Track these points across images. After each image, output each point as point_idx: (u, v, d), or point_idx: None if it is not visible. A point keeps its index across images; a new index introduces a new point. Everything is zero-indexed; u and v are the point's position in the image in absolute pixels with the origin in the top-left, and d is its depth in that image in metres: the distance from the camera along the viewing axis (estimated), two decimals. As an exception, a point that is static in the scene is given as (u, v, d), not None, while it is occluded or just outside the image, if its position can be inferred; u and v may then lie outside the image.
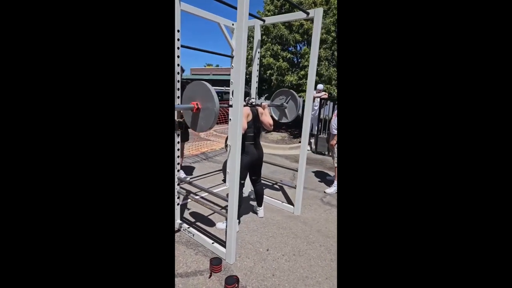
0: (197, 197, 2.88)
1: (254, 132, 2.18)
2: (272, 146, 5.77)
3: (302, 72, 6.29)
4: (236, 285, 1.58)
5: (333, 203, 3.02)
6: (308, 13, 2.23)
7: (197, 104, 1.71)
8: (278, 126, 7.45)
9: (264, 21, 2.58)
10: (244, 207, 2.72)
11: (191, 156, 4.72)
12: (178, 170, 2.21)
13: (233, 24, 2.64)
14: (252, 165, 2.26)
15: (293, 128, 7.11)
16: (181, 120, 1.99)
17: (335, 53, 6.00)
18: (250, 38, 6.49)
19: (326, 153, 5.32)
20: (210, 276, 1.71)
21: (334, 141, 3.26)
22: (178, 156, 2.09)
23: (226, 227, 1.94)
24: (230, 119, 1.93)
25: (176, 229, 2.22)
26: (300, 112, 2.72)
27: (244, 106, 2.15)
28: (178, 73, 1.95)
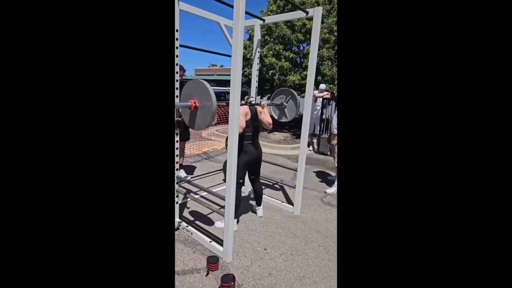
0: (196, 196, 2.90)
1: (252, 131, 2.19)
2: (275, 146, 5.76)
3: (305, 72, 6.27)
4: (232, 283, 1.59)
5: (333, 203, 3.01)
6: (307, 12, 2.22)
7: (195, 103, 1.72)
8: (280, 126, 7.44)
9: (264, 20, 2.58)
10: (244, 206, 2.72)
11: (193, 155, 4.75)
12: (177, 169, 2.22)
13: (233, 24, 2.64)
14: (250, 164, 2.26)
15: (296, 129, 7.10)
16: (179, 119, 2.00)
17: (338, 53, 5.97)
18: (253, 38, 6.50)
19: (328, 153, 5.29)
20: (207, 274, 1.72)
21: (334, 141, 3.24)
22: (177, 155, 2.10)
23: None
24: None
25: (175, 227, 2.23)
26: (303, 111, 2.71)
27: (243, 105, 2.16)
28: (177, 72, 1.96)
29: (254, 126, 2.21)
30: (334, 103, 5.67)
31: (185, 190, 2.85)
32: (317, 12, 2.15)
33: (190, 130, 3.14)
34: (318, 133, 5.55)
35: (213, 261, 1.77)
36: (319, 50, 6.38)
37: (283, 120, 2.79)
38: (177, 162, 2.14)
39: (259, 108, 2.31)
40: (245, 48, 7.15)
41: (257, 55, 2.73)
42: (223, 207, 1.87)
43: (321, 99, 5.45)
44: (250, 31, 7.07)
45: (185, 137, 3.28)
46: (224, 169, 3.90)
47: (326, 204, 2.98)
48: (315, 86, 6.15)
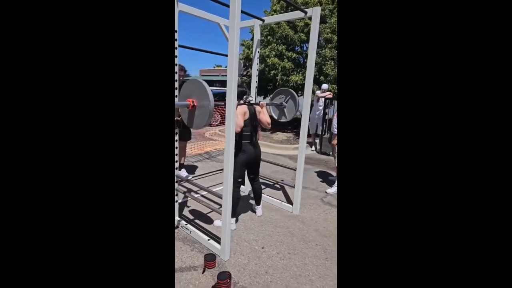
0: (197, 195, 2.92)
1: (251, 130, 2.20)
2: (277, 147, 5.77)
3: (307, 72, 6.27)
4: (228, 280, 1.60)
5: (333, 203, 3.00)
6: (306, 12, 2.23)
7: (193, 102, 1.74)
8: (283, 126, 7.44)
9: (263, 21, 2.59)
10: (244, 205, 2.74)
11: (195, 155, 4.78)
12: (176, 168, 2.25)
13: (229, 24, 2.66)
14: (249, 163, 2.28)
15: (298, 129, 7.06)
16: (178, 118, 2.02)
17: (341, 53, 5.96)
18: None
19: (330, 153, 5.28)
20: (203, 271, 1.74)
21: (335, 141, 3.24)
22: (176, 155, 2.13)
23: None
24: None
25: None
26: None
27: (242, 104, 2.18)
28: (176, 72, 1.99)
29: (252, 126, 2.22)
30: (336, 103, 5.65)
31: (185, 189, 2.87)
32: (315, 12, 2.16)
33: (193, 130, 3.17)
34: (320, 133, 5.54)
35: (210, 259, 1.79)
36: (321, 50, 6.39)
37: (283, 120, 2.80)
38: (176, 161, 2.17)
39: (258, 108, 2.33)
40: (248, 48, 7.18)
41: (257, 55, 2.75)
42: (222, 206, 1.89)
43: (323, 99, 5.43)
44: (254, 32, 7.10)
45: (186, 137, 3.31)
46: (225, 169, 3.91)
47: (326, 204, 2.98)
48: (317, 86, 6.19)
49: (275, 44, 6.58)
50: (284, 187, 3.35)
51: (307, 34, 6.36)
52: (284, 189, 3.30)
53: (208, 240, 2.03)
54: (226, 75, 1.69)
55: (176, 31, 1.96)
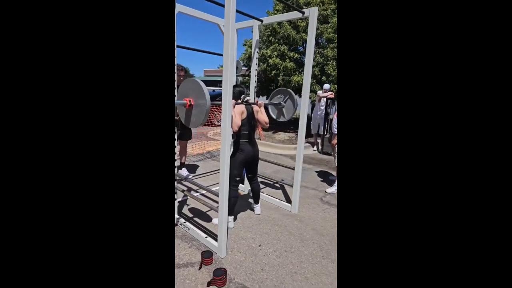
0: (196, 194, 2.96)
1: (248, 130, 2.23)
2: (279, 146, 5.78)
3: (309, 72, 6.27)
4: (224, 277, 1.63)
5: (332, 202, 3.01)
6: (303, 13, 2.25)
7: (189, 101, 1.77)
8: (285, 126, 7.45)
9: (261, 21, 2.62)
10: (243, 204, 2.76)
11: (196, 154, 4.83)
12: (176, 167, 2.28)
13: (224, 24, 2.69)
14: (247, 162, 2.30)
15: (301, 129, 7.08)
16: (176, 118, 2.06)
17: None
18: (259, 38, 6.55)
19: (332, 153, 5.27)
20: (200, 268, 1.76)
21: (334, 141, 3.24)
22: (176, 154, 2.16)
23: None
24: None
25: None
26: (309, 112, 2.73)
27: (240, 104, 2.20)
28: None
29: (250, 125, 2.25)
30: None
31: (185, 188, 2.91)
32: (312, 12, 2.18)
33: (196, 130, 3.20)
34: (322, 133, 5.53)
35: (207, 256, 1.81)
36: (323, 49, 6.39)
37: (281, 119, 2.82)
38: (176, 160, 2.20)
39: (255, 107, 2.35)
40: (251, 47, 7.20)
41: (256, 55, 2.77)
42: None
43: (324, 99, 5.43)
44: (253, 32, 7.12)
45: (186, 136, 3.36)
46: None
47: (325, 203, 2.98)
48: (319, 86, 6.18)
49: (277, 45, 6.60)
50: (284, 186, 3.36)
51: (309, 34, 6.37)
52: (284, 189, 3.31)
53: (206, 237, 2.06)
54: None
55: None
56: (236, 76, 3.05)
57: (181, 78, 2.87)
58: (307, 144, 5.87)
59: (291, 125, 7.41)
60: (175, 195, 2.27)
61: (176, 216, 2.32)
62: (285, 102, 2.73)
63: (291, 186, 2.71)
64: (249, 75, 3.33)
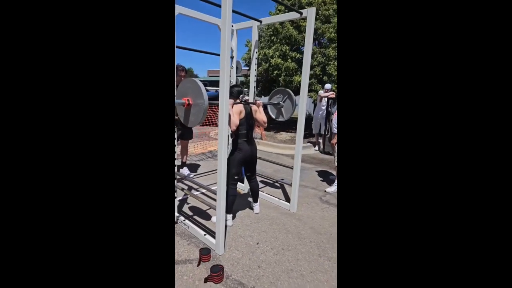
0: (196, 193, 3.00)
1: (246, 129, 2.25)
2: (281, 146, 5.80)
3: (311, 72, 6.28)
4: (221, 273, 1.66)
5: (331, 201, 3.02)
6: (301, 13, 2.27)
7: (188, 100, 1.81)
8: (287, 126, 7.47)
9: (260, 22, 2.65)
10: (242, 203, 2.79)
11: (198, 154, 4.87)
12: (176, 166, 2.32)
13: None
14: (245, 161, 2.33)
15: (302, 128, 7.09)
16: (176, 117, 2.09)
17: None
18: (261, 38, 6.62)
19: (332, 152, 5.28)
20: (198, 264, 1.80)
21: (334, 140, 3.26)
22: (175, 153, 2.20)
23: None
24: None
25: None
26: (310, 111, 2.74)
27: (238, 103, 2.23)
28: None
29: (248, 124, 2.27)
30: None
31: (185, 187, 2.95)
32: (310, 13, 2.20)
33: (198, 130, 3.24)
34: (324, 133, 5.54)
35: (205, 253, 1.85)
36: (325, 49, 6.39)
37: (280, 119, 2.84)
38: (177, 159, 2.24)
39: (254, 107, 2.38)
40: (252, 48, 7.24)
41: (255, 55, 2.80)
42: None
43: (326, 99, 5.44)
44: (252, 33, 7.15)
45: (187, 136, 3.40)
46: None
47: (324, 202, 3.00)
48: (321, 85, 6.19)
49: (279, 45, 6.62)
50: (283, 185, 3.38)
51: (311, 34, 6.38)
52: (283, 188, 3.34)
53: (204, 235, 2.10)
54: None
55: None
56: (237, 76, 3.09)
57: (182, 79, 2.91)
58: (309, 144, 5.88)
59: (293, 125, 7.42)
60: (175, 193, 2.31)
61: (176, 214, 2.36)
62: (284, 102, 2.75)
63: (291, 185, 2.73)
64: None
